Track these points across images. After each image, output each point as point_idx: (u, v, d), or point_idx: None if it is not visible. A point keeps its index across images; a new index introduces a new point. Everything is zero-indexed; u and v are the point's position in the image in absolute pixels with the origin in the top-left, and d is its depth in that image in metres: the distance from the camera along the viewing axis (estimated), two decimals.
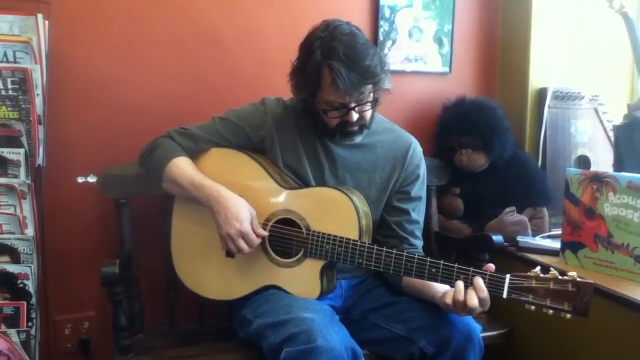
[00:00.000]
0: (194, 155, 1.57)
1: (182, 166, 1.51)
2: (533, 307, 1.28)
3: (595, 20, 2.13)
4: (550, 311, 1.27)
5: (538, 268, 1.30)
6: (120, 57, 1.80)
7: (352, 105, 1.45)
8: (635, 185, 1.57)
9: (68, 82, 1.75)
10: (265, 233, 1.48)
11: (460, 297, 1.30)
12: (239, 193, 1.48)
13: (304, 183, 1.56)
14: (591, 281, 1.26)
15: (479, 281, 1.31)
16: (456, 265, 1.34)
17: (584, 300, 1.25)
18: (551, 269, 1.29)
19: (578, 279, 1.26)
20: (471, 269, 1.33)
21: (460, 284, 1.32)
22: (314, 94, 1.47)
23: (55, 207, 1.76)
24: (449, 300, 1.33)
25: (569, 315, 1.26)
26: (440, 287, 1.39)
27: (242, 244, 1.43)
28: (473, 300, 1.29)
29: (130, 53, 1.81)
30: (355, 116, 1.47)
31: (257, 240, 1.44)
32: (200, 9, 1.86)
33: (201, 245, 1.56)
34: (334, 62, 1.38)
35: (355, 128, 1.51)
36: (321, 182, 1.57)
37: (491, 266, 1.34)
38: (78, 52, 1.75)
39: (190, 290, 1.60)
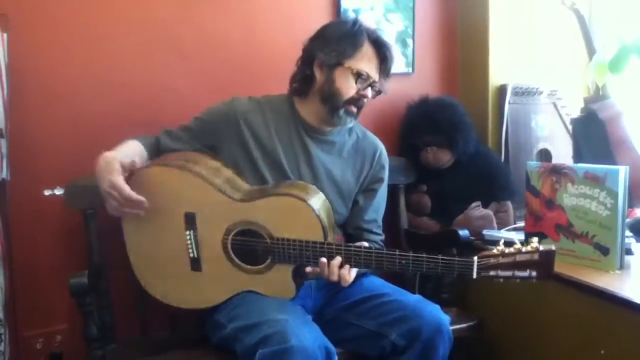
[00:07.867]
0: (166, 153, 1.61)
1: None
2: (502, 280, 1.38)
3: (551, 17, 2.19)
4: (518, 280, 1.38)
5: (502, 242, 1.39)
6: (82, 68, 1.78)
7: (376, 82, 1.60)
8: (591, 176, 1.62)
9: (31, 94, 1.73)
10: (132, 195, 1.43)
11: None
12: (191, 211, 1.50)
13: (281, 173, 1.59)
14: (552, 248, 1.38)
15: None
16: (425, 255, 1.40)
17: (546, 266, 1.37)
18: (515, 241, 1.40)
19: (541, 248, 1.36)
20: (439, 257, 1.40)
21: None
22: (342, 60, 1.56)
23: (22, 220, 1.74)
24: None
25: (534, 281, 1.37)
26: None
27: (116, 195, 1.41)
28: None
29: (92, 64, 1.79)
30: (370, 93, 1.60)
31: (127, 189, 1.41)
32: (161, 18, 1.86)
33: (163, 259, 1.55)
34: (381, 38, 1.61)
35: (357, 109, 1.62)
36: (296, 174, 1.61)
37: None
38: (39, 64, 1.73)
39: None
